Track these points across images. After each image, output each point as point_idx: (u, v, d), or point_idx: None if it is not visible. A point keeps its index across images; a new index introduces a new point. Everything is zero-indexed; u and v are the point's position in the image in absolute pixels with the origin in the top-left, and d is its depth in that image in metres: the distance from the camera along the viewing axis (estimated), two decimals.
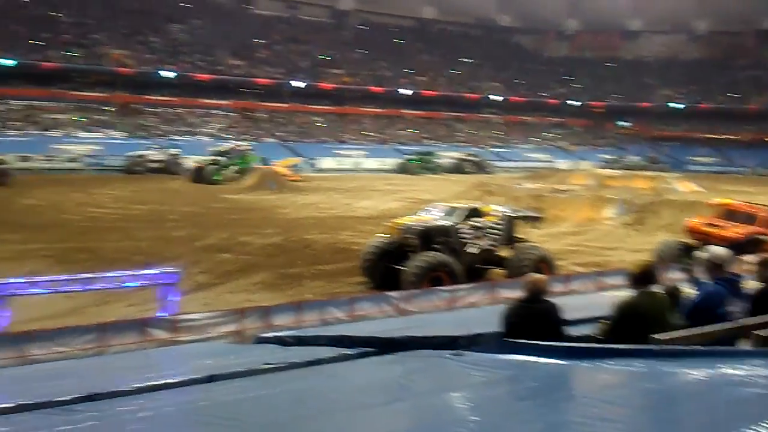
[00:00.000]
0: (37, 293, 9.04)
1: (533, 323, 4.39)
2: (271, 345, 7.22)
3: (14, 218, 21.11)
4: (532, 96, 68.94)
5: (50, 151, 41.59)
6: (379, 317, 10.11)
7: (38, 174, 37.51)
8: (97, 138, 45.55)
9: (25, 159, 39.18)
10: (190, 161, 39.02)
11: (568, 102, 70.15)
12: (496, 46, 76.72)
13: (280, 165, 41.74)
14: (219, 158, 36.79)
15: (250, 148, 40.28)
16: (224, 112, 55.11)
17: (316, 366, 5.15)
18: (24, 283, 8.96)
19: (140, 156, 40.06)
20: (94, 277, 9.55)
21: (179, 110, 53.15)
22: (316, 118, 58.64)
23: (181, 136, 49.02)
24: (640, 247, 18.28)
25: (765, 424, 2.30)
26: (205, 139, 49.82)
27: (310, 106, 58.87)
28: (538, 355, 3.84)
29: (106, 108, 50.34)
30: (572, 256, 17.60)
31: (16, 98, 47.57)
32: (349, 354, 5.66)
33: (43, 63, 48.03)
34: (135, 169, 39.03)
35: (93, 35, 53.37)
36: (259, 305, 10.35)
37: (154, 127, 49.85)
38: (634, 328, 4.23)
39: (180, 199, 27.87)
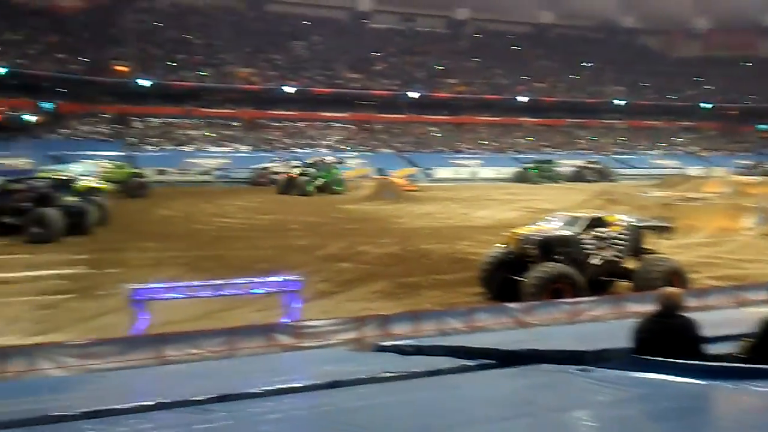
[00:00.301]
0: (174, 297, 9.66)
1: (667, 339, 4.12)
2: (390, 353, 7.29)
3: (152, 228, 22.79)
4: (660, 99, 65.42)
5: (183, 164, 44.63)
6: (498, 329, 9.92)
7: (173, 186, 40.36)
8: (225, 152, 48.33)
9: (161, 172, 42.33)
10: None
11: (700, 105, 65.88)
12: (619, 49, 73.58)
13: (397, 175, 42.27)
14: (308, 170, 36.84)
15: (337, 161, 40.64)
16: (342, 125, 56.67)
17: (436, 376, 5.13)
18: (163, 288, 9.61)
19: (264, 168, 41.99)
20: (225, 284, 10.09)
21: (300, 124, 55.27)
22: (432, 128, 58.90)
23: (302, 148, 50.97)
24: None
25: None
26: (324, 150, 51.45)
27: (426, 117, 59.25)
28: (674, 374, 3.60)
29: (234, 123, 53.29)
30: (706, 269, 16.45)
31: (153, 116, 51.49)
32: (468, 365, 5.59)
33: (177, 83, 51.63)
34: (259, 181, 40.99)
35: (221, 55, 56.75)
36: (378, 314, 10.48)
37: (277, 140, 52.15)
38: None
39: (301, 209, 28.89)
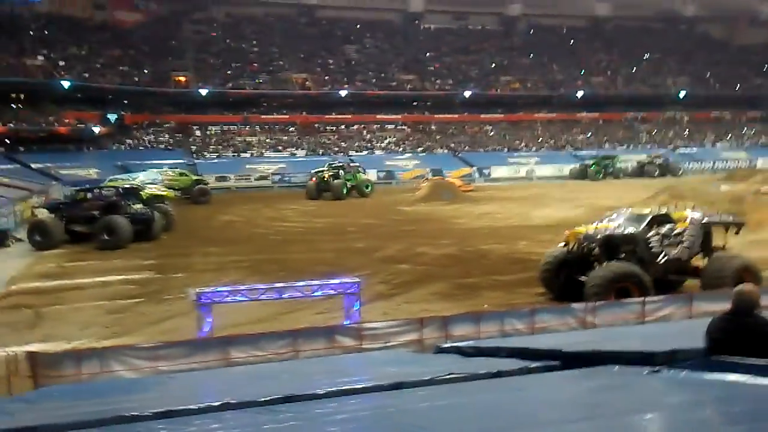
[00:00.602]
0: (237, 301, 9.87)
1: (743, 339, 3.95)
2: (452, 355, 7.24)
3: (215, 233, 23.38)
4: (725, 89, 62.96)
5: (243, 170, 45.56)
6: (562, 330, 9.74)
7: (233, 192, 41.29)
8: (282, 157, 49.13)
9: (222, 179, 43.36)
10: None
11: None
12: (680, 38, 71.15)
13: (453, 175, 42.06)
14: (340, 172, 36.67)
15: (359, 165, 41.05)
16: (397, 126, 56.78)
17: (499, 378, 5.07)
18: (227, 291, 9.83)
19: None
20: (287, 286, 10.24)
21: (355, 127, 55.67)
22: (487, 127, 58.35)
23: (357, 151, 51.31)
24: None
25: None
26: (380, 153, 51.65)
27: (481, 116, 58.74)
28: (752, 375, 3.45)
29: (290, 129, 54.14)
30: None
31: (213, 124, 52.82)
32: (531, 367, 5.49)
33: (234, 91, 52.84)
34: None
35: (276, 62, 57.74)
36: (439, 315, 10.44)
37: (333, 144, 52.68)
38: None
39: (358, 211, 29.09)
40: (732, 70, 65.75)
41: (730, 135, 60.46)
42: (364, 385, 4.74)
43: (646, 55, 67.09)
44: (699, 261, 13.34)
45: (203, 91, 51.26)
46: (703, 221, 13.39)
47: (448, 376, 4.87)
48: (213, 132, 52.42)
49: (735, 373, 3.55)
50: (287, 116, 54.80)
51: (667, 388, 3.68)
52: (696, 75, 64.86)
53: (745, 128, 62.00)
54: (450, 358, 6.79)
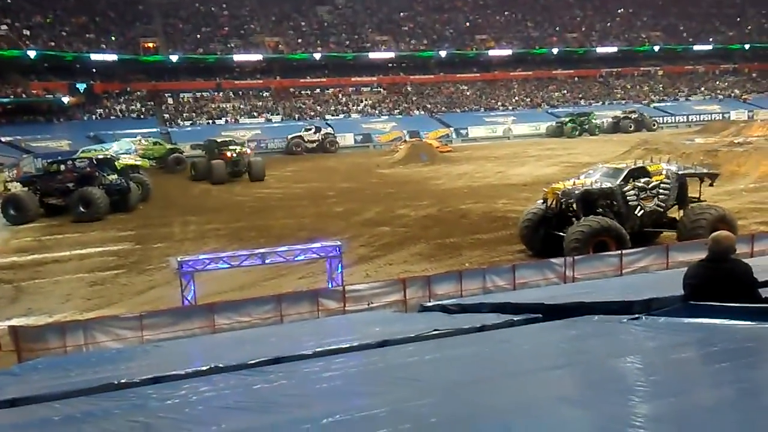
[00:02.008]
0: (220, 268, 9.86)
1: (720, 285, 4.04)
2: (436, 312, 7.34)
3: (193, 202, 23.18)
4: (698, 42, 63.13)
5: (219, 138, 44.90)
6: (542, 284, 9.90)
7: None
8: (258, 123, 48.52)
9: (197, 147, 42.67)
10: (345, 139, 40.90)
11: (743, 45, 63.38)
12: None
13: (431, 137, 41.96)
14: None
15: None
16: (373, 89, 56.25)
17: (483, 332, 5.15)
18: (209, 259, 9.81)
19: (297, 137, 42.14)
20: (269, 252, 10.24)
21: (330, 90, 55.04)
22: (463, 87, 58.05)
23: (333, 115, 50.85)
24: None
25: None
26: (356, 116, 51.25)
27: (457, 75, 58.36)
28: (728, 318, 3.55)
29: (264, 94, 53.38)
30: (755, 215, 16.08)
31: (185, 91, 51.82)
32: (515, 320, 5.59)
33: (206, 56, 51.76)
34: (294, 150, 41.19)
35: (248, 26, 56.56)
36: (422, 275, 10.53)
37: (308, 108, 52.11)
38: None
39: (336, 176, 29.00)
40: (705, 22, 65.84)
41: (703, 88, 60.86)
42: (350, 344, 4.79)
43: (620, 10, 66.85)
44: (675, 213, 13.56)
45: (174, 57, 50.17)
46: (678, 174, 13.57)
47: (433, 332, 4.94)
48: (186, 99, 51.46)
49: (712, 316, 3.65)
50: (261, 81, 53.95)
51: (646, 334, 3.78)
52: (669, 29, 64.87)
53: (718, 81, 62.42)
54: (434, 316, 6.89)
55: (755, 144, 25.21)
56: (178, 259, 9.73)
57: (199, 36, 53.69)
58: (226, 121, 48.70)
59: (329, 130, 43.58)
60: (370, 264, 13.42)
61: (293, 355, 4.21)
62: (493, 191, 22.03)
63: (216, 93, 52.21)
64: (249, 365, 4.07)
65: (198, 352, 6.15)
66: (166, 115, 48.47)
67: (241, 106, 51.10)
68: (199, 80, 52.40)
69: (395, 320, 7.03)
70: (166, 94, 51.04)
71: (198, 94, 52.01)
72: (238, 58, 52.72)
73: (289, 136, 42.56)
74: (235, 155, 29.20)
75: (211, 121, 48.45)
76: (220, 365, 4.20)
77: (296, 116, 50.22)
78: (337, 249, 10.28)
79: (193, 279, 9.73)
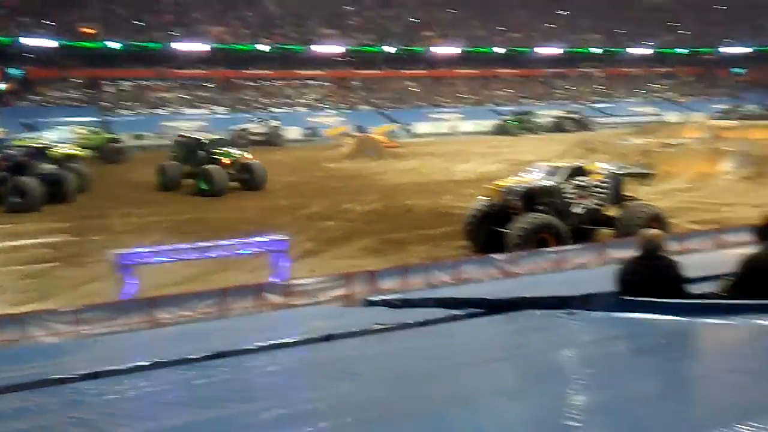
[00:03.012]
0: (161, 261, 9.68)
1: (650, 281, 4.24)
2: (380, 308, 7.40)
3: (133, 194, 22.58)
4: (636, 45, 65.23)
5: (160, 128, 43.90)
6: (485, 280, 10.10)
7: (151, 151, 39.77)
8: (202, 114, 47.62)
9: (138, 137, 41.61)
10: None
11: (676, 50, 65.84)
12: None
13: (377, 132, 42.10)
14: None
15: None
16: (319, 82, 55.94)
17: (426, 326, 5.24)
18: (149, 252, 9.61)
19: (243, 129, 41.52)
20: (211, 245, 10.11)
21: (276, 83, 54.45)
22: (409, 83, 58.37)
23: (279, 108, 50.35)
24: (762, 201, 17.09)
25: None
26: (303, 109, 50.90)
27: (403, 71, 58.62)
28: (657, 312, 3.72)
29: (208, 85, 52.38)
30: (687, 214, 16.77)
31: (125, 79, 50.35)
32: (458, 315, 5.71)
33: (147, 44, 50.41)
34: (239, 142, 40.53)
35: (192, 14, 55.35)
36: (367, 269, 10.58)
37: (254, 100, 51.43)
38: (761, 283, 4.00)
39: (283, 169, 28.72)
40: (643, 27, 68.10)
41: (640, 91, 62.94)
42: (294, 339, 4.80)
43: (563, 12, 68.44)
44: (612, 211, 14.03)
45: (113, 44, 48.65)
46: (616, 173, 14.05)
47: (376, 327, 4.99)
48: (125, 87, 50.03)
49: (643, 311, 3.82)
50: (205, 71, 52.90)
51: (581, 328, 3.93)
52: (609, 33, 66.80)
53: (655, 84, 64.64)
54: (378, 311, 6.94)
55: (688, 145, 26.28)
56: (117, 252, 9.50)
57: (140, 23, 52.18)
58: (169, 111, 47.60)
59: (276, 123, 43.12)
60: (316, 258, 13.41)
61: (236, 350, 4.18)
62: (439, 187, 22.26)
63: (158, 82, 50.91)
64: (190, 360, 4.03)
65: (138, 347, 6.03)
66: (105, 104, 47.00)
67: (184, 97, 50.01)
68: (140, 68, 50.93)
69: (340, 315, 7.06)
70: (106, 82, 49.48)
71: (139, 83, 50.62)
72: (181, 46, 51.43)
73: (235, 129, 41.92)
74: (233, 161, 22.89)
75: (152, 111, 47.26)
76: (161, 360, 4.13)
77: (241, 108, 49.48)
78: (284, 243, 10.23)
79: (133, 272, 9.52)
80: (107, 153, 32.69)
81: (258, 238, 10.40)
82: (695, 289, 5.27)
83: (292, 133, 44.61)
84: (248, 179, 22.83)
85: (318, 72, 56.11)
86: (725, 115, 48.52)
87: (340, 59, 57.35)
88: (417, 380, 3.23)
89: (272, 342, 4.51)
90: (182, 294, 9.11)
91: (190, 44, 51.68)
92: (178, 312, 8.36)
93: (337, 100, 53.32)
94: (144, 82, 50.78)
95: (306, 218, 17.46)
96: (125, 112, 46.46)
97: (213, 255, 10.14)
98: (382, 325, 5.08)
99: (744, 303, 3.50)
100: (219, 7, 56.90)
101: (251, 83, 53.80)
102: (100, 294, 10.67)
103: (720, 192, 20.01)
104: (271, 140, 40.85)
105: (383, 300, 7.76)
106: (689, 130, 31.72)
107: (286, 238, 10.40)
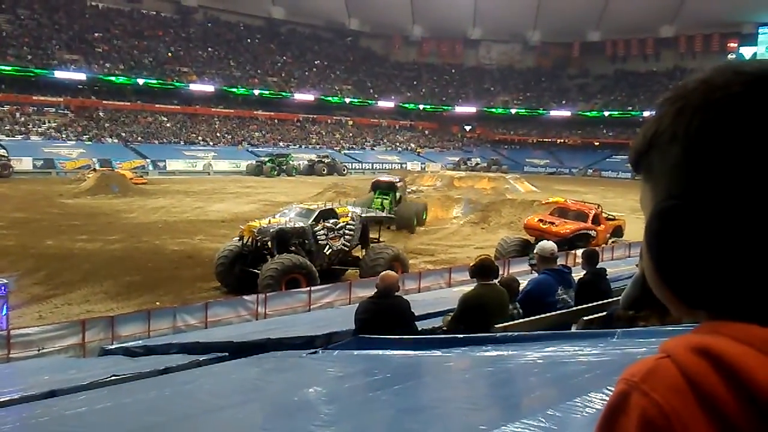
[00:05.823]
0: None
1: (385, 319, 4.56)
2: (118, 356, 6.90)
3: None
4: (383, 99, 70.64)
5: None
6: (236, 322, 9.94)
7: None
8: None
9: None
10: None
11: (418, 106, 72.74)
12: (347, 49, 77.66)
13: (124, 167, 39.61)
14: None
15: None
16: (59, 110, 50.98)
17: (167, 374, 5.01)
18: None
19: None
20: None
21: (6, 107, 48.45)
22: (163, 118, 56.01)
23: (8, 136, 44.76)
24: (484, 243, 19.42)
25: (591, 395, 2.58)
26: (38, 139, 45.90)
27: (156, 105, 56.12)
28: (390, 348, 4.02)
29: None
30: (424, 255, 18.32)
31: None
32: (201, 360, 5.56)
33: None
34: None
35: None
36: (103, 315, 9.77)
37: None
38: (477, 318, 4.53)
39: (8, 204, 25.46)
40: (389, 82, 74.10)
41: (386, 140, 68.04)
42: (12, 397, 4.27)
43: (317, 62, 71.68)
44: (358, 252, 14.82)
45: None
46: (362, 216, 14.92)
47: (110, 378, 4.66)
48: None
49: (377, 348, 4.10)
50: None
51: (322, 366, 4.08)
52: (359, 85, 71.48)
53: (398, 135, 70.45)
54: (114, 360, 6.48)
55: (426, 192, 28.95)
56: None
57: None
58: None
59: (2, 151, 38.19)
60: (45, 304, 12.03)
61: None
62: (191, 227, 21.52)
63: None
64: None
65: None
66: None
67: None
68: None
69: (68, 367, 6.42)
70: None
71: None
72: None
73: None
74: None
75: None
76: None
77: None
78: (2, 288, 9.02)
79: None
80: None
81: None
82: (427, 325, 5.81)
83: (23, 163, 39.94)
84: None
85: (57, 99, 51.10)
86: (456, 165, 54.81)
87: (83, 87, 53.02)
88: None
89: None
90: None
91: None
92: None
93: (80, 131, 49.01)
94: None
95: (36, 258, 15.62)
96: None
97: None
98: (117, 375, 4.75)
99: (459, 337, 3.94)
100: None
101: None
102: None
103: (451, 235, 22.28)
104: None
105: (122, 348, 7.25)
106: (427, 178, 35.03)
107: (6, 281, 9.18)
